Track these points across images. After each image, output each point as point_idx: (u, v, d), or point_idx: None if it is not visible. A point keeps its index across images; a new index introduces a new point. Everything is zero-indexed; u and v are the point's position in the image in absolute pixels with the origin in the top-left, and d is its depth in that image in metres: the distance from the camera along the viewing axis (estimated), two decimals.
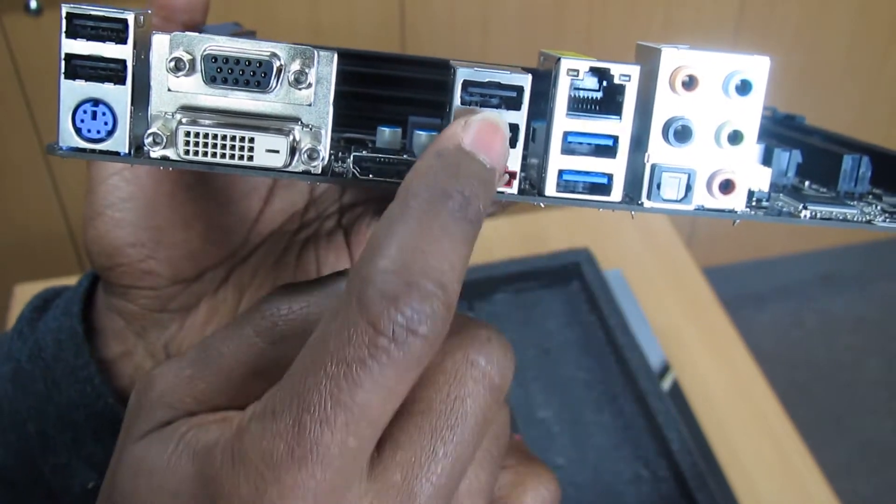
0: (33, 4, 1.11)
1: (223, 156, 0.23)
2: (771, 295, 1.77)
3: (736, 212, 0.23)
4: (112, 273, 0.30)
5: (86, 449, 0.31)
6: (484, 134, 0.21)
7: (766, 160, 0.27)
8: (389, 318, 0.17)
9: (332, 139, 0.23)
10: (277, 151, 0.23)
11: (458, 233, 0.19)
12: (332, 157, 0.24)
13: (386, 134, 0.26)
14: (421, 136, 0.25)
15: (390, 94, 0.29)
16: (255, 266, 0.33)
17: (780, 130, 0.34)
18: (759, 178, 0.25)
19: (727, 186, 0.23)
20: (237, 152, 0.23)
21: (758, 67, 0.23)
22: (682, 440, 0.59)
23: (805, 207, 0.24)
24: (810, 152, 0.29)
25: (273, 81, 0.23)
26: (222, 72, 0.23)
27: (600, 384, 0.65)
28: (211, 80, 0.23)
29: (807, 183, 0.29)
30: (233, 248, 0.33)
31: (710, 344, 0.70)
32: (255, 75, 0.23)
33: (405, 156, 0.24)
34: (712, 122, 0.23)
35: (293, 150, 0.23)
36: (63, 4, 0.22)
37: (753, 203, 0.25)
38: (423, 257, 0.18)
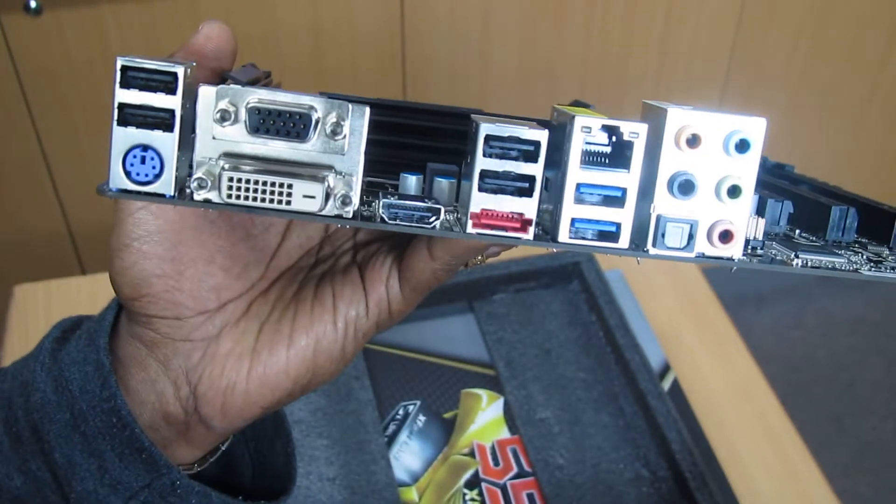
0: (33, 4, 1.11)
1: (263, 200, 0.24)
2: (771, 295, 1.77)
3: (734, 259, 0.26)
4: (137, 303, 0.32)
5: (112, 476, 0.32)
6: None
7: (760, 210, 0.29)
8: None
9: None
10: (314, 197, 0.24)
11: None
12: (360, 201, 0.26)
13: (410, 181, 0.28)
14: (442, 182, 0.27)
15: (410, 141, 0.31)
16: (273, 299, 0.34)
17: (769, 179, 0.36)
18: (754, 228, 0.27)
19: (726, 236, 0.25)
20: (276, 197, 0.24)
21: (756, 128, 0.25)
22: (682, 440, 0.59)
23: (797, 256, 0.26)
24: (800, 202, 0.31)
25: (311, 132, 0.25)
26: (265, 123, 0.24)
27: (600, 384, 0.65)
28: (254, 130, 0.24)
29: (797, 231, 0.30)
30: (252, 282, 0.34)
31: (710, 344, 0.70)
32: (294, 126, 0.25)
33: (428, 202, 0.25)
34: (713, 177, 0.25)
35: (328, 196, 0.25)
36: (118, 57, 0.24)
37: (749, 251, 0.27)
38: None
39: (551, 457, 0.60)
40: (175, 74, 0.24)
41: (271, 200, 0.24)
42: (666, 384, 0.65)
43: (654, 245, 0.25)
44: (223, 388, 0.32)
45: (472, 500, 0.57)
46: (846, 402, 1.57)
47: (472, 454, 0.60)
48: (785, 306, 1.76)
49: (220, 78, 0.30)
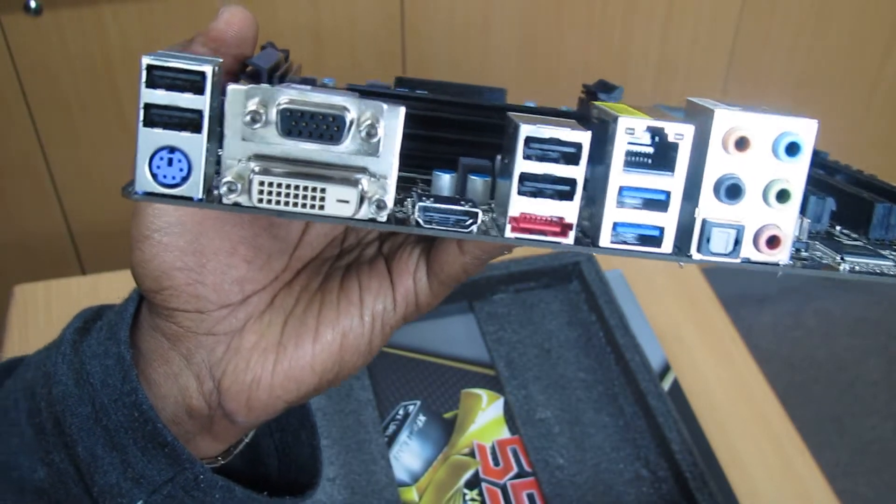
0: (33, 4, 1.11)
1: (295, 204, 0.23)
2: (771, 295, 1.77)
3: (779, 265, 0.25)
4: (159, 296, 0.31)
5: (134, 470, 0.32)
6: None
7: (802, 207, 0.28)
8: None
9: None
10: (347, 202, 0.23)
11: None
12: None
13: (443, 179, 0.27)
14: (476, 181, 0.26)
15: (441, 135, 0.30)
16: (298, 291, 0.34)
17: None
18: (799, 228, 0.26)
19: (773, 242, 0.24)
20: (308, 201, 0.23)
21: (807, 130, 0.24)
22: (682, 440, 0.59)
23: (843, 260, 0.26)
24: (840, 196, 0.29)
25: (345, 134, 0.24)
26: (297, 125, 0.23)
27: (600, 384, 0.65)
28: (286, 132, 0.23)
29: (838, 227, 0.29)
30: (276, 273, 0.34)
31: (710, 344, 0.70)
32: (328, 129, 0.24)
33: (465, 205, 0.24)
34: (761, 181, 0.24)
35: (361, 199, 0.24)
36: (144, 56, 0.23)
37: (794, 253, 0.26)
38: None
39: (551, 457, 0.59)
40: (203, 74, 0.23)
41: (304, 205, 0.23)
42: (666, 384, 0.65)
43: (698, 250, 0.24)
44: (248, 383, 0.32)
45: (472, 500, 0.57)
46: (846, 402, 1.57)
47: (472, 454, 0.60)
48: (785, 306, 1.76)
49: (240, 64, 0.29)
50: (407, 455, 0.59)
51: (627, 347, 0.66)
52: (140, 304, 0.34)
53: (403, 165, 0.29)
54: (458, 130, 0.30)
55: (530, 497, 0.57)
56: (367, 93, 0.24)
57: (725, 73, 1.46)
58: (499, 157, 0.27)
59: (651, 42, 1.39)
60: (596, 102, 0.26)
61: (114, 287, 0.74)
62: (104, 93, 1.21)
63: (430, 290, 0.32)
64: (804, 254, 0.26)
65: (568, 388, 0.64)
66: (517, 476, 0.58)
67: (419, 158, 0.29)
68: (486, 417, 0.62)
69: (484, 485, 0.58)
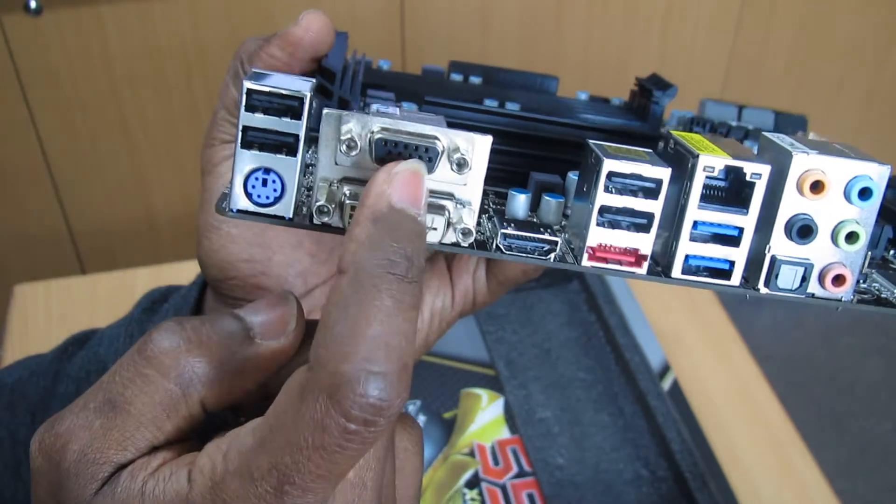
0: (33, 4, 1.11)
1: None
2: None
3: (841, 301, 0.26)
4: (224, 285, 0.32)
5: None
6: (408, 186, 0.22)
7: None
8: (361, 408, 0.19)
9: None
10: (435, 229, 0.24)
11: (408, 300, 0.20)
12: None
13: (518, 200, 0.27)
14: (550, 202, 0.27)
15: (514, 150, 0.31)
16: None
17: None
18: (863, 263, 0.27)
19: (838, 280, 0.25)
20: None
21: (880, 175, 0.24)
22: (682, 440, 0.59)
23: None
24: (893, 218, 0.30)
25: (436, 163, 0.24)
26: (392, 154, 0.24)
27: (600, 384, 0.65)
28: (379, 160, 0.24)
29: (892, 252, 0.30)
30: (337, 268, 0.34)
31: (710, 344, 0.70)
32: (420, 158, 0.24)
33: (544, 232, 0.25)
34: (831, 222, 0.25)
35: (448, 225, 0.24)
36: (245, 81, 0.23)
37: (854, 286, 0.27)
38: (384, 341, 0.19)
39: (551, 457, 0.60)
40: (302, 100, 0.23)
41: None
42: (666, 384, 0.65)
43: (766, 285, 0.25)
44: None
45: (472, 499, 0.57)
46: (846, 402, 1.57)
47: (472, 454, 0.60)
48: (785, 306, 1.76)
49: (315, 64, 0.30)
50: None
51: (627, 347, 0.66)
52: (204, 290, 0.34)
53: None
54: (529, 145, 0.31)
55: (530, 497, 0.57)
56: (456, 122, 0.25)
57: (725, 73, 1.46)
58: (570, 174, 0.28)
59: (651, 40, 1.39)
60: (672, 132, 0.26)
61: (113, 287, 0.74)
62: (104, 93, 1.21)
63: (487, 290, 0.33)
64: (863, 286, 0.27)
65: (568, 387, 0.64)
66: (517, 476, 0.58)
67: (490, 170, 0.30)
68: (485, 417, 0.62)
69: (484, 485, 0.58)
